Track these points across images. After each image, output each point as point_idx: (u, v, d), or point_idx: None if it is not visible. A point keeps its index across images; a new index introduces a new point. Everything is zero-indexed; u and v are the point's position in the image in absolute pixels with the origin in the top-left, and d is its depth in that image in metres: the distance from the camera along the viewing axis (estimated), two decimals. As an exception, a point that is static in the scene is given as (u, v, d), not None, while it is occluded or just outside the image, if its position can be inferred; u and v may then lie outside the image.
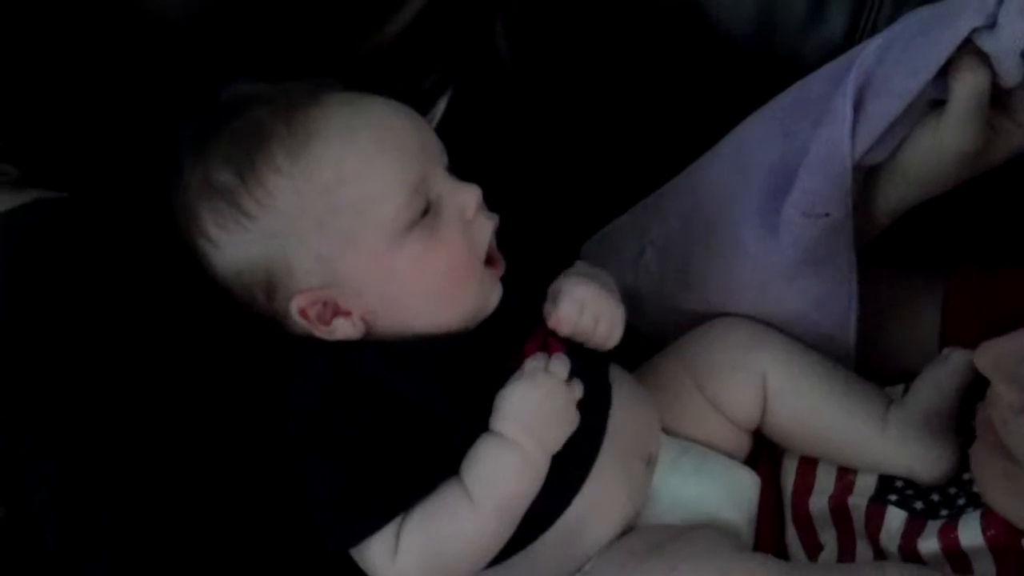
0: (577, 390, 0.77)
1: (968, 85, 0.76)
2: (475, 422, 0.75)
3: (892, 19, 0.93)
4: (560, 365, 0.77)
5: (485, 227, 0.78)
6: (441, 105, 1.06)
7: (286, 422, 0.77)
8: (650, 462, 0.83)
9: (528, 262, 0.82)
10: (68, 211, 0.87)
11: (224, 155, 0.76)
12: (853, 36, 0.98)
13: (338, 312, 0.77)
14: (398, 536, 0.73)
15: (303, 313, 0.77)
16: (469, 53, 1.07)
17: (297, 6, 1.00)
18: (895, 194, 0.85)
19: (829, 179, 0.81)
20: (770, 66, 0.98)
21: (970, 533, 0.76)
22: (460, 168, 0.80)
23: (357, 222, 0.75)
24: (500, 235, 0.80)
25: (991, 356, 0.74)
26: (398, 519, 0.73)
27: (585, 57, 1.07)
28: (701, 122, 0.97)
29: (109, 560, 0.75)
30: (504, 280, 0.80)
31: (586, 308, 0.80)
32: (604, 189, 1.06)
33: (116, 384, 0.79)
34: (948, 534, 0.77)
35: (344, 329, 0.77)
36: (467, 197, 0.77)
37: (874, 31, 0.96)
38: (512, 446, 0.74)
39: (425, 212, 0.76)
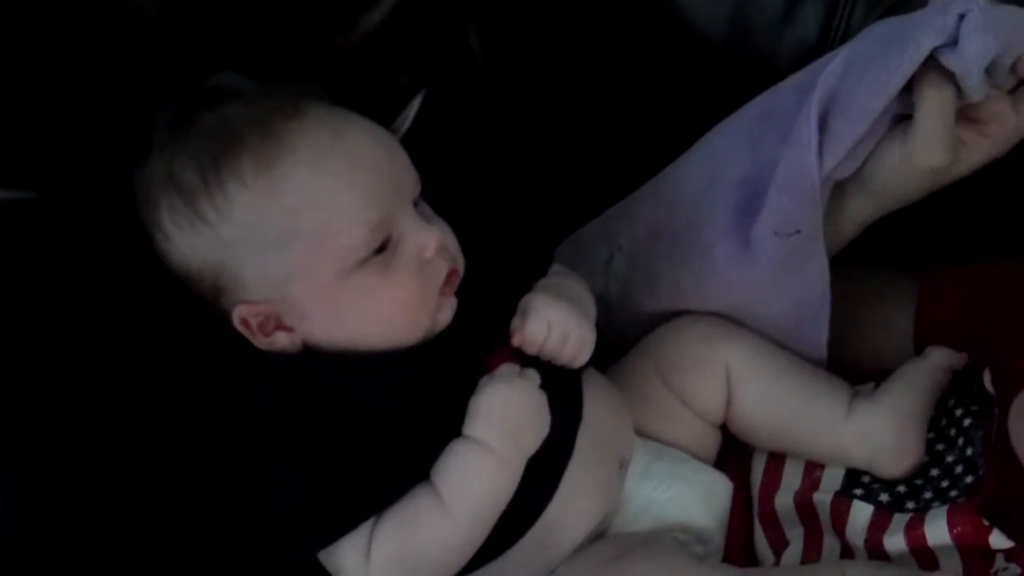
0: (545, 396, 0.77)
1: (934, 103, 0.76)
2: (439, 430, 0.75)
3: (865, 20, 0.94)
4: (533, 372, 0.77)
5: (441, 269, 0.78)
6: (415, 104, 1.05)
7: (249, 428, 0.77)
8: (622, 466, 0.83)
9: (495, 270, 0.82)
10: (33, 212, 0.86)
11: (192, 151, 0.75)
12: (827, 36, 0.97)
13: (280, 326, 0.77)
14: (369, 544, 0.73)
15: (244, 322, 0.77)
16: (443, 52, 1.06)
17: (272, 2, 0.99)
18: (863, 206, 0.86)
19: (798, 199, 0.81)
20: (744, 67, 0.98)
21: (936, 530, 0.77)
22: (433, 168, 0.79)
23: (311, 250, 0.74)
24: (467, 241, 0.80)
25: None
26: (368, 528, 0.73)
27: (559, 57, 1.06)
28: (675, 124, 0.97)
29: (73, 569, 0.75)
30: (468, 289, 0.80)
31: (553, 328, 0.79)
32: (577, 190, 1.06)
33: (80, 389, 0.78)
34: (914, 531, 0.78)
35: (283, 343, 0.77)
36: (427, 239, 0.76)
37: (847, 32, 0.96)
38: (487, 452, 0.73)
39: (383, 247, 0.76)
